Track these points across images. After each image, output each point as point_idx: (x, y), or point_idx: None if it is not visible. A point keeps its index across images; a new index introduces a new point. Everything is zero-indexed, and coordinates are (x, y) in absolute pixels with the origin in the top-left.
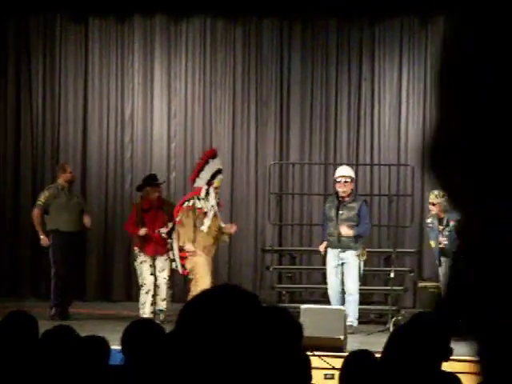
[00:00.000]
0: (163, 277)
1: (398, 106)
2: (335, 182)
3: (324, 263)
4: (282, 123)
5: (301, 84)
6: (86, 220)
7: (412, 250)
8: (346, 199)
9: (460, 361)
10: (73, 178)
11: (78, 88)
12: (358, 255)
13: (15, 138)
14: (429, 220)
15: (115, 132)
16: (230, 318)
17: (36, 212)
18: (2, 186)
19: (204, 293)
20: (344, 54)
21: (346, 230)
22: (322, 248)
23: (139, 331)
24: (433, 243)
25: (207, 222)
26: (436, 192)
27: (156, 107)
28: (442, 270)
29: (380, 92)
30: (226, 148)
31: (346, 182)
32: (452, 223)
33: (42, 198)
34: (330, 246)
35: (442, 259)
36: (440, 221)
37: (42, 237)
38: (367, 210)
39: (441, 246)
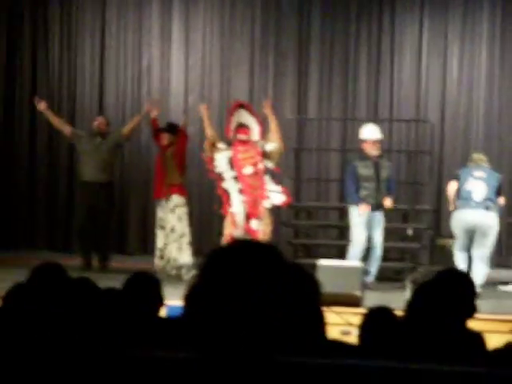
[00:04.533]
0: None
1: (418, 61)
2: (364, 141)
3: (341, 219)
4: (300, 77)
5: (320, 37)
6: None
7: (430, 208)
8: (380, 160)
9: (485, 319)
10: (96, 125)
11: (94, 40)
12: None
13: (31, 91)
14: None
15: (132, 84)
16: (248, 268)
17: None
18: (18, 137)
19: (224, 246)
20: (364, 8)
21: (389, 203)
22: (366, 208)
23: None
24: None
25: None
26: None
27: (173, 59)
28: None
29: (400, 47)
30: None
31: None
32: None
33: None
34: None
35: None
36: None
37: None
38: None
39: None
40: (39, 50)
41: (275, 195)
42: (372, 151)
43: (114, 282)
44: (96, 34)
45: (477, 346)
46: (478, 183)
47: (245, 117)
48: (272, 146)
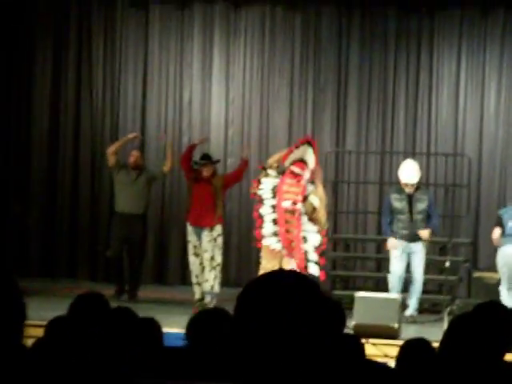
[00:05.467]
0: None
1: (456, 96)
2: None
3: (378, 251)
4: (338, 110)
5: (358, 72)
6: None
7: (467, 241)
8: (416, 192)
9: None
10: (133, 161)
11: (137, 74)
12: (425, 245)
13: (75, 123)
14: None
15: (173, 118)
16: (285, 300)
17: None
18: (60, 171)
19: (260, 278)
20: (402, 43)
21: (425, 234)
22: (392, 245)
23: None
24: None
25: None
26: None
27: (214, 93)
28: None
29: (438, 82)
30: (282, 134)
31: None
32: None
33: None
34: (401, 237)
35: None
36: None
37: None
38: (434, 200)
39: None
40: (83, 82)
41: (312, 236)
42: (406, 189)
43: (152, 312)
44: (138, 68)
45: None
46: None
47: (308, 155)
48: (316, 201)
